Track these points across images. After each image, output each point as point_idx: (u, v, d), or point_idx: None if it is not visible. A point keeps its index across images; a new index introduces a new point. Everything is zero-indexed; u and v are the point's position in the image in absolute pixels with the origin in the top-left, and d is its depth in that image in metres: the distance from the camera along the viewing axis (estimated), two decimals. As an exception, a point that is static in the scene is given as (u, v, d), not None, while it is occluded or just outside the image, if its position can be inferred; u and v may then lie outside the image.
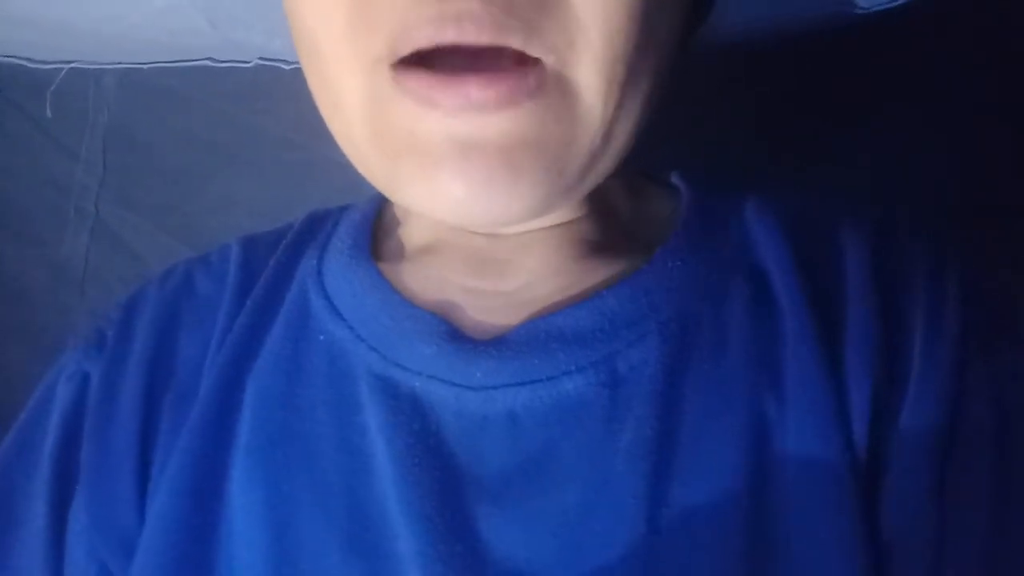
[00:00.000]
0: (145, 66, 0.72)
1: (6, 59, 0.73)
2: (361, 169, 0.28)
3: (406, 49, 0.23)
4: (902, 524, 0.26)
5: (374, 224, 0.35)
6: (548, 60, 0.24)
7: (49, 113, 0.73)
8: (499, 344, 0.29)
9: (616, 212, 0.33)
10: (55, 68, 0.73)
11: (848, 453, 0.27)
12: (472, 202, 0.25)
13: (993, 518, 0.26)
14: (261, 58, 0.69)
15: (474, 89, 0.23)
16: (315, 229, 0.36)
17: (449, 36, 0.23)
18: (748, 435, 0.27)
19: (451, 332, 0.29)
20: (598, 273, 0.31)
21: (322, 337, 0.32)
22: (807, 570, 0.26)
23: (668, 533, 0.26)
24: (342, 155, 0.29)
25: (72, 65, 0.73)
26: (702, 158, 0.47)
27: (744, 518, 0.26)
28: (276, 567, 0.28)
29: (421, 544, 0.27)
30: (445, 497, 0.27)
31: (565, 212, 0.31)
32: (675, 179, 0.35)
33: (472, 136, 0.24)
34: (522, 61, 0.24)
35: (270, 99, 0.66)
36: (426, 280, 0.32)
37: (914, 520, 0.26)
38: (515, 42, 0.23)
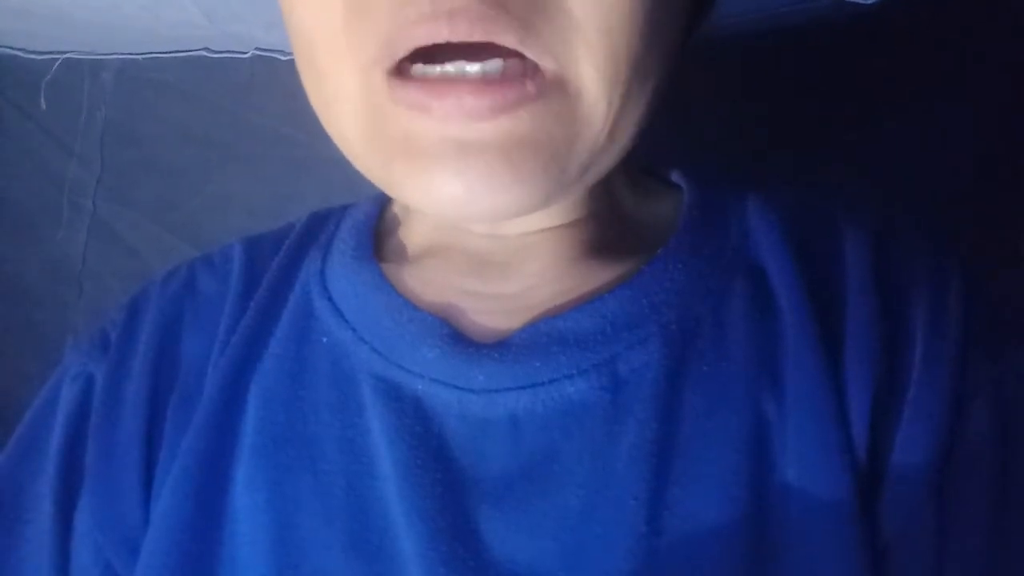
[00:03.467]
0: (140, 57, 0.71)
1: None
2: (356, 164, 0.28)
3: (402, 49, 0.23)
4: (902, 525, 0.27)
5: (376, 224, 0.35)
6: (547, 64, 0.23)
7: (44, 105, 0.73)
8: (501, 347, 0.29)
9: (619, 212, 0.33)
10: (50, 59, 0.72)
11: (848, 454, 0.27)
12: (471, 199, 0.25)
13: (993, 519, 0.27)
14: (258, 48, 0.69)
15: (467, 97, 0.23)
16: (317, 230, 0.36)
17: (443, 34, 0.22)
18: (748, 437, 0.28)
19: (453, 335, 0.30)
20: (599, 275, 0.31)
21: (325, 339, 0.32)
22: (808, 570, 0.26)
23: (669, 535, 0.27)
24: (339, 152, 0.29)
25: (67, 55, 0.72)
26: (704, 155, 0.47)
27: (744, 519, 0.27)
28: (279, 568, 0.28)
29: (423, 545, 0.27)
30: (447, 499, 0.28)
31: (568, 212, 0.31)
32: (676, 177, 0.35)
33: (468, 137, 0.24)
34: (523, 72, 0.23)
35: (267, 93, 0.66)
36: (428, 282, 0.32)
37: (914, 521, 0.27)
38: (509, 40, 0.23)
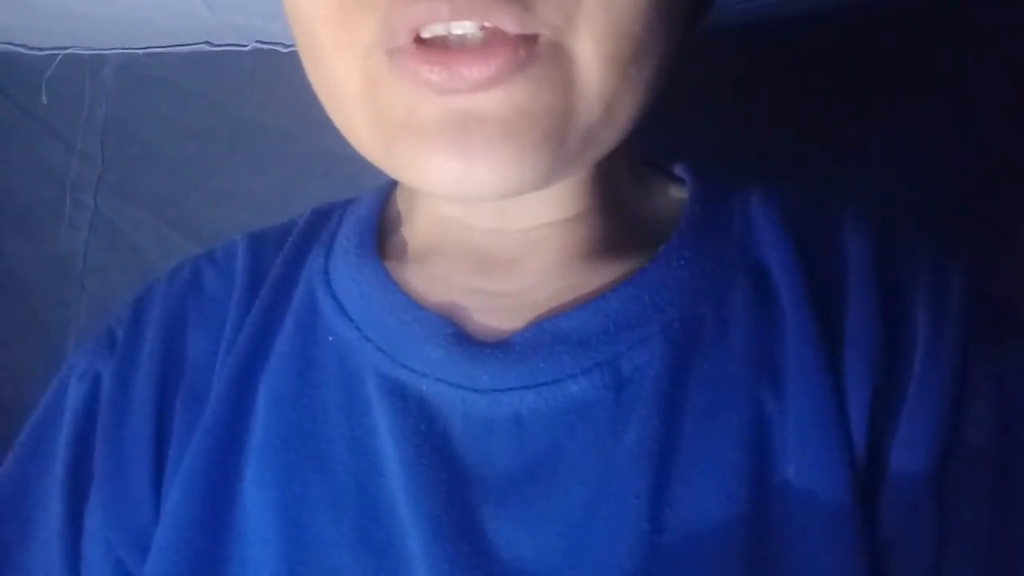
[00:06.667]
0: (141, 51, 0.71)
1: (0, 46, 0.72)
2: (360, 150, 0.28)
3: (402, 32, 0.23)
4: (902, 523, 0.27)
5: (379, 220, 0.35)
6: (544, 33, 0.24)
7: (45, 101, 0.72)
8: (505, 347, 0.29)
9: (621, 206, 0.33)
10: (50, 55, 0.72)
11: (847, 452, 0.27)
12: (473, 175, 0.24)
13: (994, 519, 0.27)
14: (258, 41, 0.69)
15: (465, 67, 0.23)
16: (320, 226, 0.36)
17: (443, 15, 0.23)
18: (749, 434, 0.28)
19: (457, 335, 0.30)
20: (602, 273, 0.31)
21: (331, 338, 0.32)
22: (807, 569, 0.26)
23: (670, 533, 0.27)
24: (341, 146, 0.29)
25: (68, 51, 0.72)
26: (706, 151, 0.47)
27: (744, 517, 0.27)
28: (289, 565, 0.28)
29: (429, 543, 0.27)
30: (452, 498, 0.28)
31: (571, 205, 0.31)
32: (680, 170, 0.35)
33: (468, 110, 0.24)
34: (513, 39, 0.23)
35: (268, 88, 0.66)
36: (432, 280, 0.32)
37: (914, 520, 0.27)
38: (508, 23, 0.23)
